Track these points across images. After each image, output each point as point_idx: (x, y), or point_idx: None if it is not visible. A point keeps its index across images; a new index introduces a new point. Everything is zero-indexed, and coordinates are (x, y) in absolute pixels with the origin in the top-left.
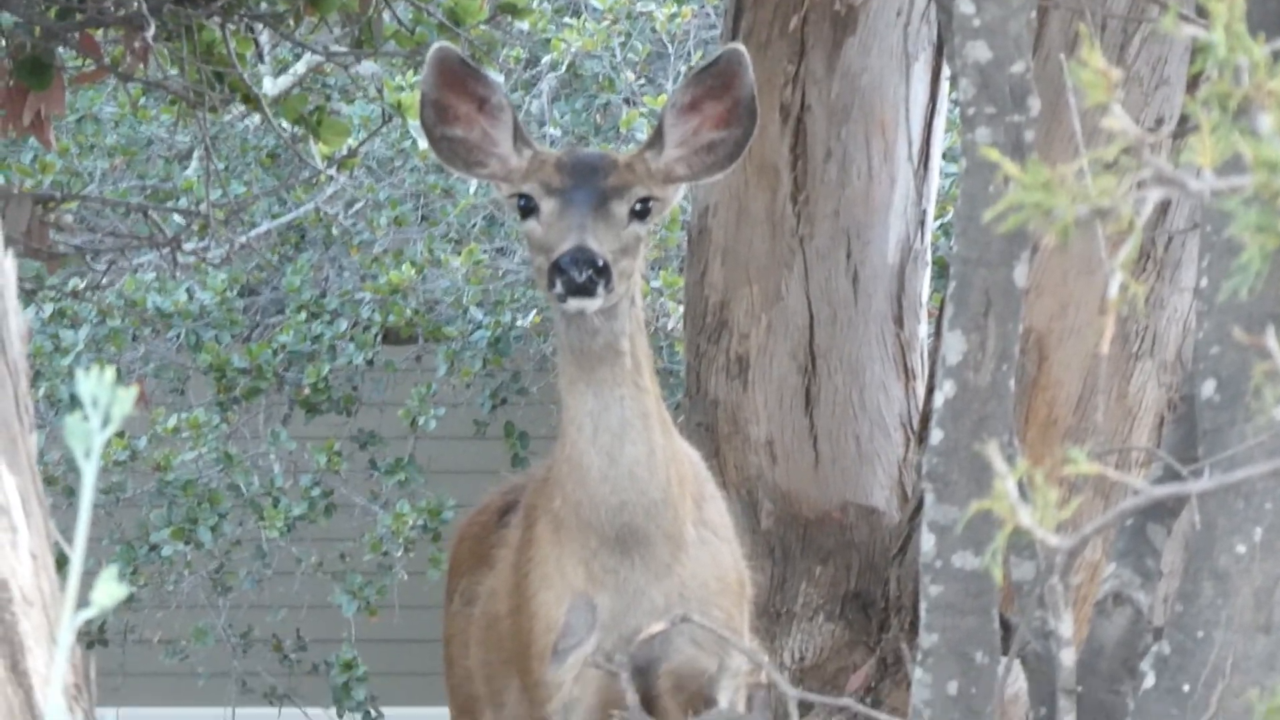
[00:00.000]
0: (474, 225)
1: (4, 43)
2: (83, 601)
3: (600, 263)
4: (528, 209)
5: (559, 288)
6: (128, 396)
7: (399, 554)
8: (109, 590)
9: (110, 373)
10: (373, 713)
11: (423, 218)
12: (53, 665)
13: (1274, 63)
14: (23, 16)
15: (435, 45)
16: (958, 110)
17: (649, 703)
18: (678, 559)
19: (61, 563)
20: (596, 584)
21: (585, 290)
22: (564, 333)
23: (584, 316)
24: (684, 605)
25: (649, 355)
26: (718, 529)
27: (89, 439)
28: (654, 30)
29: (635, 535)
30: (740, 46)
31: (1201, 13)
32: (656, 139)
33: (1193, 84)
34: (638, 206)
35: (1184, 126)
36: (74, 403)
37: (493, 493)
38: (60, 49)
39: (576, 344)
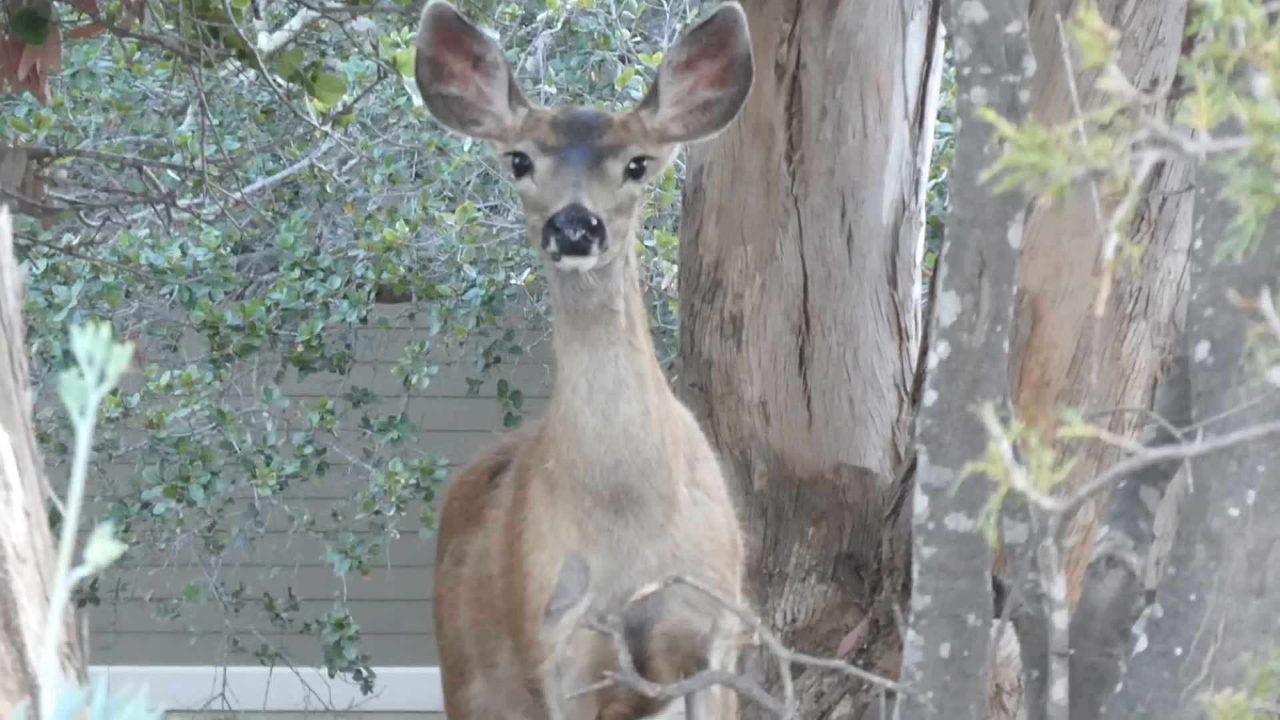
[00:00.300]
0: (468, 183)
1: None
2: (76, 559)
3: (594, 221)
4: (522, 167)
5: (553, 246)
6: (123, 354)
7: (391, 513)
8: (103, 548)
9: (105, 330)
10: (364, 672)
11: (417, 175)
12: (46, 623)
13: (1270, 25)
14: None
15: (431, 2)
16: (953, 70)
17: (641, 664)
18: (671, 519)
19: (55, 520)
20: (590, 544)
21: (579, 249)
22: (558, 291)
23: (578, 275)
24: (677, 565)
25: (643, 314)
26: (710, 489)
27: (84, 396)
28: None
29: (629, 495)
30: (736, 5)
31: None
32: (652, 98)
33: (1188, 45)
34: (633, 165)
35: (1179, 88)
36: (67, 359)
37: (483, 452)
38: (56, 3)
39: (571, 303)
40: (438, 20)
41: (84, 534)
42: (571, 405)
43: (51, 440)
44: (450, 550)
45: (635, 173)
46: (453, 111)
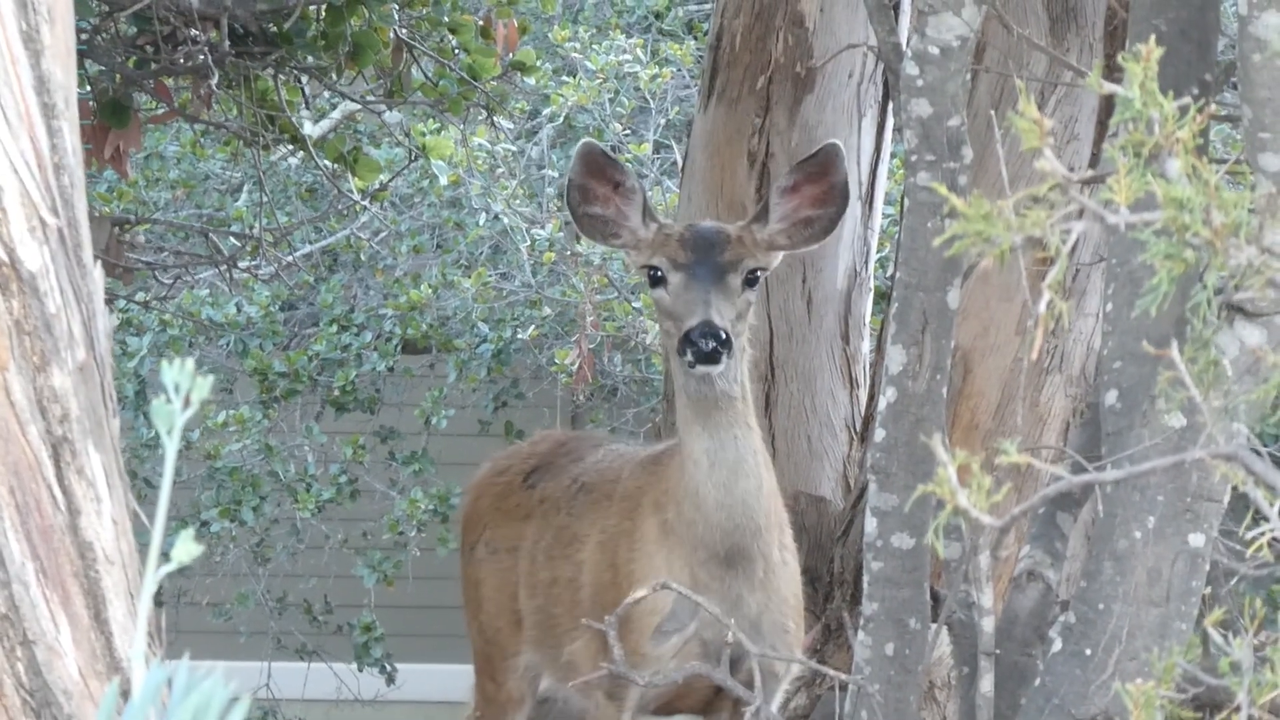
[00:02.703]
0: (482, 253)
1: (89, 87)
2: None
3: (724, 335)
4: (656, 280)
5: (689, 356)
6: (205, 384)
7: (413, 533)
8: (186, 549)
9: (190, 363)
10: (388, 668)
11: (438, 246)
12: (130, 616)
13: (1181, 115)
14: (105, 65)
15: (583, 141)
16: (898, 159)
17: (716, 689)
18: (768, 575)
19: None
20: (700, 586)
21: (711, 359)
22: (683, 384)
23: (709, 377)
24: (769, 615)
25: (753, 398)
26: (792, 552)
27: (172, 419)
28: (638, 88)
29: (740, 553)
30: (838, 142)
31: (1113, 69)
32: (762, 214)
33: (1098, 140)
34: (749, 277)
35: (1096, 173)
36: (138, 400)
37: (507, 456)
38: (137, 94)
39: (695, 394)
40: (587, 155)
41: (146, 549)
42: (694, 478)
43: (125, 468)
44: (484, 541)
45: (751, 282)
46: (596, 228)
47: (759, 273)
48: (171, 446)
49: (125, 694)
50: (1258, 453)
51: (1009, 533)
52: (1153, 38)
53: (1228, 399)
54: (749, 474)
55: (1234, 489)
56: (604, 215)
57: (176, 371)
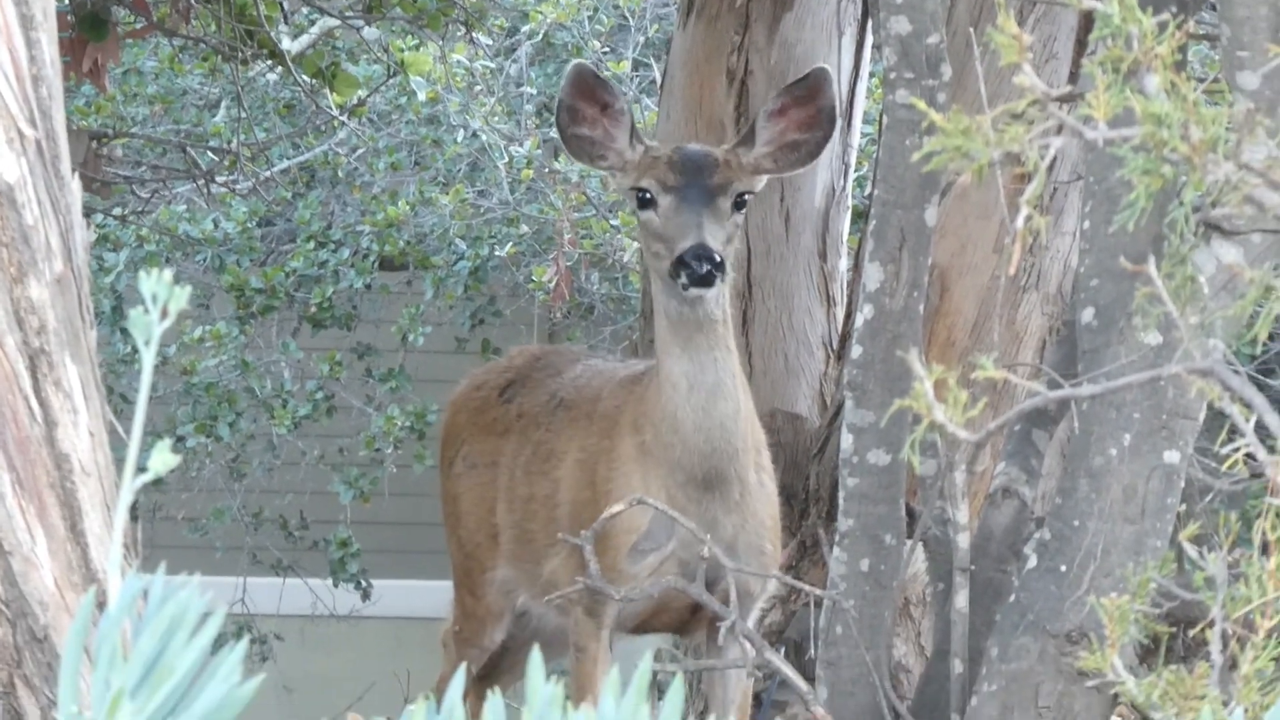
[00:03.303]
0: (459, 171)
1: (67, 1)
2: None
3: (718, 258)
4: (645, 201)
5: (683, 279)
6: (182, 294)
7: (389, 450)
8: (163, 459)
9: (167, 274)
10: (363, 583)
11: (415, 163)
12: (107, 528)
13: (1160, 32)
14: None
15: (574, 62)
16: (876, 77)
17: (693, 608)
18: (744, 497)
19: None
20: (677, 507)
21: (706, 281)
22: (665, 306)
23: (702, 299)
24: (745, 536)
25: (732, 321)
26: (769, 473)
27: (149, 329)
28: (617, 6)
29: (718, 476)
30: (826, 67)
31: None
32: (748, 137)
33: (1077, 58)
34: (737, 200)
35: (1074, 91)
36: (115, 315)
37: (485, 370)
38: (115, 7)
39: (678, 316)
40: (578, 76)
41: (121, 463)
42: (673, 400)
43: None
44: (462, 455)
45: (739, 205)
46: (583, 149)
47: (746, 196)
48: (148, 357)
49: (101, 605)
50: (1235, 370)
51: (984, 449)
52: None
53: (1204, 315)
54: (727, 397)
55: (1210, 407)
56: (591, 136)
57: (154, 282)
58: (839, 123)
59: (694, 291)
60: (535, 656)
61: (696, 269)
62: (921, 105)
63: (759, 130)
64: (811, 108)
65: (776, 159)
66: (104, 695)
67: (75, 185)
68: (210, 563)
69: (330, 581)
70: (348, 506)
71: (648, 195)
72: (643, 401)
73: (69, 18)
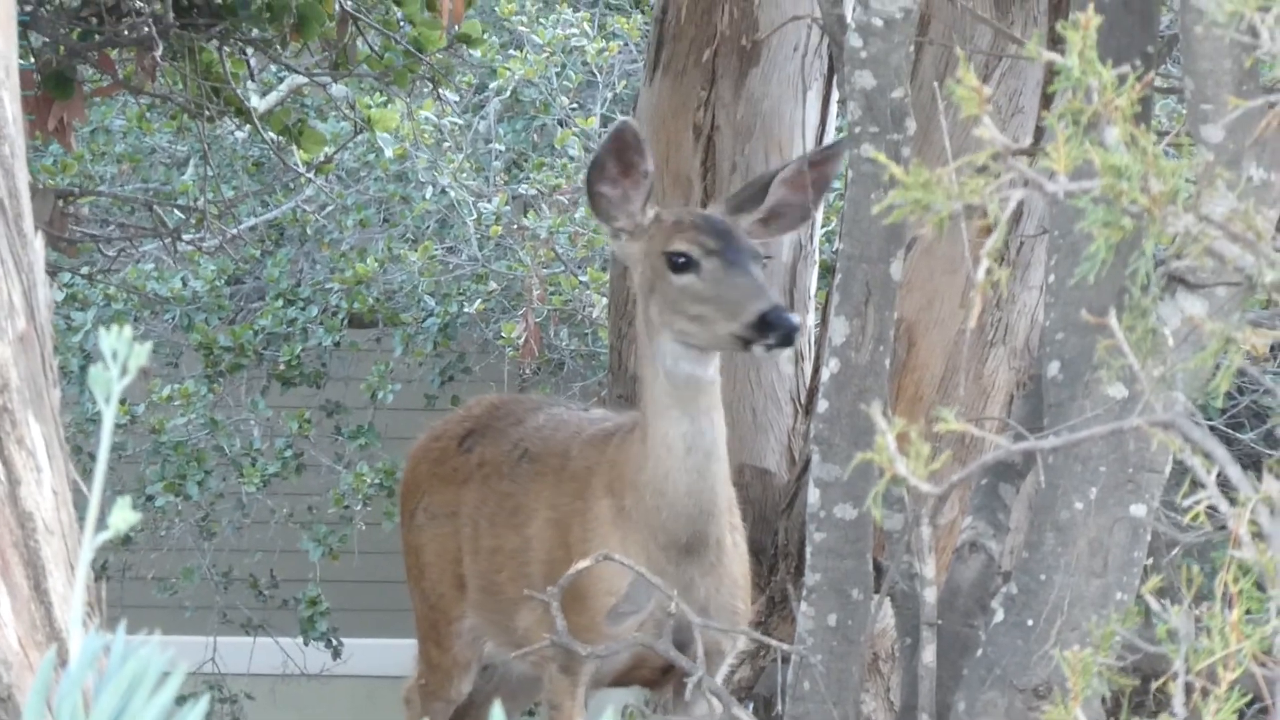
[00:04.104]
0: (428, 227)
1: (32, 59)
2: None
3: (796, 320)
4: (682, 266)
5: (771, 340)
6: (142, 351)
7: (358, 507)
8: (124, 516)
9: (127, 330)
10: (334, 641)
11: (384, 219)
12: (70, 586)
13: (1119, 84)
14: (49, 36)
15: (621, 120)
16: (844, 131)
17: (670, 667)
18: (720, 558)
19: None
20: (655, 570)
21: (789, 340)
22: (672, 367)
23: (713, 355)
24: (718, 598)
25: None
26: (740, 531)
27: (109, 386)
28: (585, 62)
29: (699, 539)
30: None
31: (1056, 41)
32: (750, 200)
33: (1045, 109)
34: (761, 263)
35: (1038, 144)
36: (83, 374)
37: (441, 423)
38: (81, 65)
39: (685, 379)
40: (620, 135)
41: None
42: (665, 464)
43: (69, 443)
44: (423, 507)
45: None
46: (599, 206)
47: (766, 260)
48: (109, 414)
49: (64, 663)
50: (1196, 422)
51: (949, 502)
52: (1091, 5)
53: (1167, 368)
54: (721, 456)
55: (1175, 460)
56: (609, 195)
57: (114, 339)
58: (752, 144)
59: (779, 351)
60: (497, 711)
61: (784, 326)
62: (883, 159)
63: (771, 193)
64: (815, 172)
65: (767, 224)
66: None
67: (38, 243)
68: (180, 622)
69: (300, 640)
70: (317, 564)
71: (684, 259)
72: (620, 465)
73: (34, 75)
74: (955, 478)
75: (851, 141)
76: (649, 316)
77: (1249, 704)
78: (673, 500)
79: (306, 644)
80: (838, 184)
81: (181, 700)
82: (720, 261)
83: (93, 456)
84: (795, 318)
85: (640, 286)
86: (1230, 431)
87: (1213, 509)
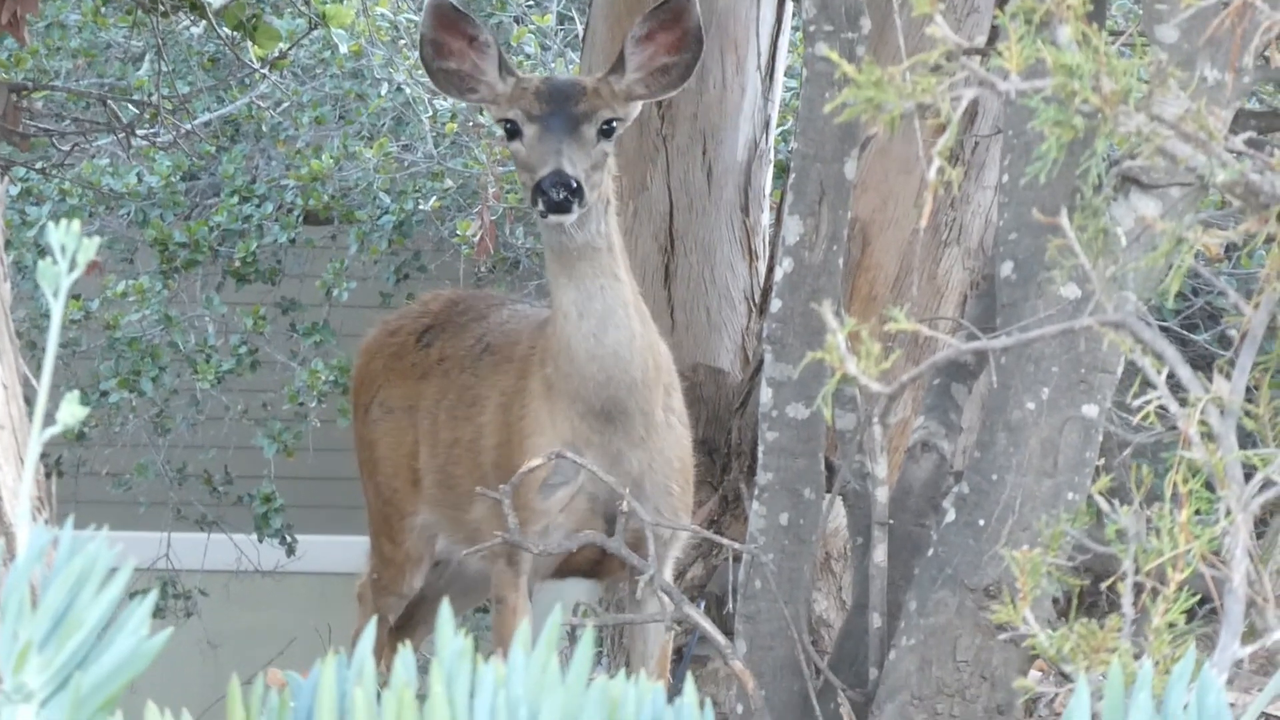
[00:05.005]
0: (384, 124)
1: None
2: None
3: (574, 184)
4: (512, 132)
5: (540, 205)
6: (91, 245)
7: (313, 405)
8: (71, 410)
9: (76, 224)
10: (288, 538)
11: (340, 117)
12: (20, 481)
13: None
14: None
15: None
16: (799, 31)
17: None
18: (649, 434)
19: (27, 399)
20: (582, 440)
21: (562, 207)
22: (546, 236)
23: (562, 226)
24: (652, 475)
25: (624, 249)
26: (680, 416)
27: (57, 280)
28: None
29: (617, 407)
30: None
31: None
32: (618, 65)
33: (1001, 8)
34: (604, 127)
35: (993, 44)
36: (37, 269)
37: (396, 317)
38: None
39: (556, 245)
40: (437, 9)
41: (49, 416)
42: (564, 330)
43: (23, 338)
44: (379, 401)
45: (607, 133)
46: (452, 83)
47: (615, 123)
48: (57, 309)
49: (13, 557)
50: (1148, 323)
51: (902, 402)
52: None
53: (1119, 267)
54: (619, 325)
55: (1128, 361)
56: (460, 70)
57: (63, 233)
58: (758, 76)
59: (552, 218)
60: (445, 610)
61: (553, 195)
62: (835, 58)
63: (628, 57)
64: (678, 30)
65: (648, 84)
66: (12, 646)
67: None
68: (134, 518)
69: (255, 537)
70: (271, 461)
71: (514, 126)
72: (545, 337)
73: None
74: (906, 377)
75: (807, 40)
76: None
77: (1200, 603)
78: (579, 367)
79: (261, 540)
80: (792, 81)
81: (134, 596)
82: (538, 127)
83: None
84: (563, 187)
85: None
86: (1184, 333)
87: (1164, 409)
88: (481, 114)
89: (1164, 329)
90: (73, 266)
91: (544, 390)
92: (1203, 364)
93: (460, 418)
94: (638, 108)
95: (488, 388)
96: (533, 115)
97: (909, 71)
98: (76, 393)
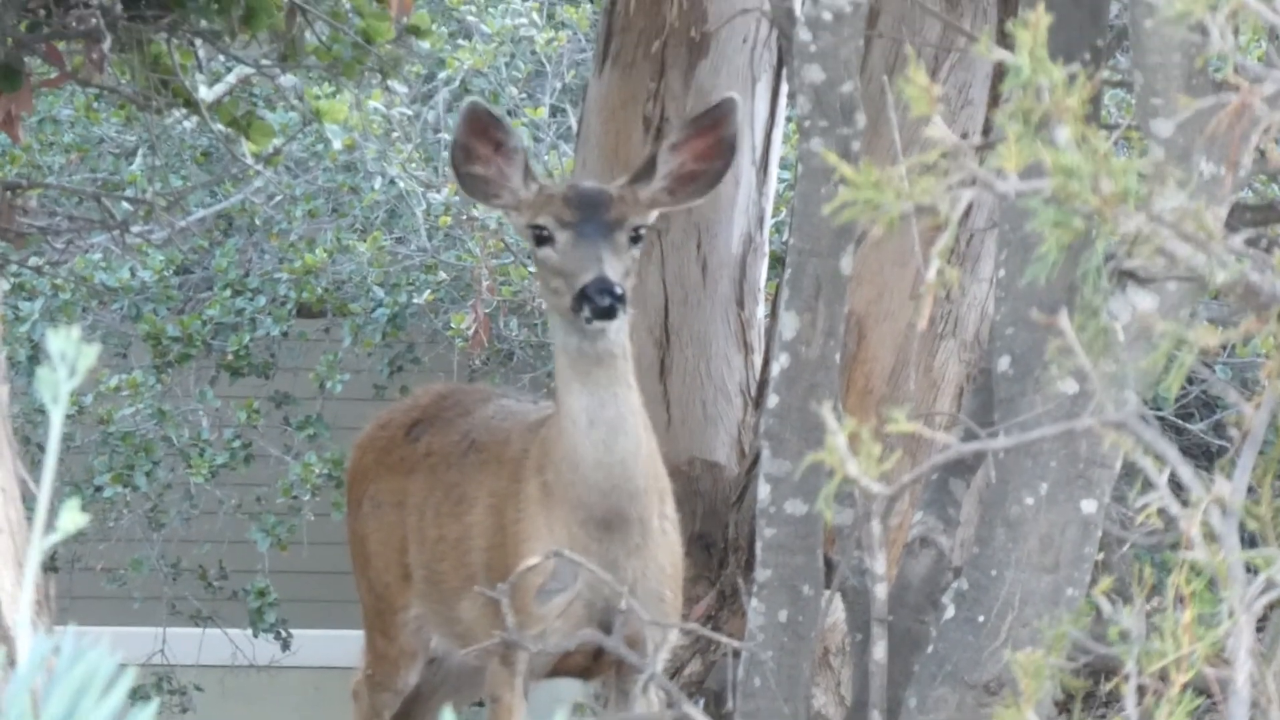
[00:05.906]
0: (377, 217)
1: None
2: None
3: (619, 290)
4: (543, 239)
5: (586, 312)
6: (90, 352)
7: (307, 498)
8: (72, 518)
9: (76, 331)
10: (283, 633)
11: (333, 210)
12: (19, 585)
13: (1070, 83)
14: None
15: (468, 100)
16: (793, 124)
17: (598, 653)
18: (645, 541)
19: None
20: (580, 548)
21: (609, 314)
22: (565, 341)
23: (604, 333)
24: (645, 582)
25: (633, 357)
26: (673, 522)
27: (57, 388)
28: (534, 52)
29: (618, 516)
30: (735, 95)
31: (1006, 38)
32: (644, 172)
33: (994, 104)
34: (633, 234)
35: (988, 140)
36: (31, 365)
37: (387, 412)
38: (29, 57)
39: (576, 351)
40: (472, 115)
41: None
42: (573, 437)
43: (18, 434)
44: (369, 496)
45: (635, 240)
46: (478, 188)
47: (642, 230)
48: (56, 415)
49: (14, 664)
50: (1147, 420)
51: (901, 499)
52: (1042, 4)
53: (1119, 366)
54: (628, 433)
55: (1127, 458)
56: (485, 175)
57: (62, 339)
58: (753, 170)
59: (597, 324)
60: (447, 714)
61: (599, 302)
62: (833, 158)
63: (660, 163)
64: (713, 137)
65: (673, 191)
66: None
67: None
68: (129, 614)
69: (250, 631)
70: (266, 555)
71: (545, 232)
72: (545, 441)
73: None
74: (907, 478)
75: (802, 135)
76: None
77: (1211, 705)
78: (584, 474)
79: (256, 635)
80: (786, 174)
81: (131, 694)
82: (572, 233)
83: (41, 448)
84: (609, 294)
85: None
86: (1180, 422)
87: (1164, 509)
88: (476, 209)
89: (1160, 418)
90: (72, 373)
91: (541, 495)
92: (1198, 452)
93: (446, 514)
94: (656, 215)
95: (475, 487)
96: (565, 222)
97: (907, 171)
98: (77, 499)
